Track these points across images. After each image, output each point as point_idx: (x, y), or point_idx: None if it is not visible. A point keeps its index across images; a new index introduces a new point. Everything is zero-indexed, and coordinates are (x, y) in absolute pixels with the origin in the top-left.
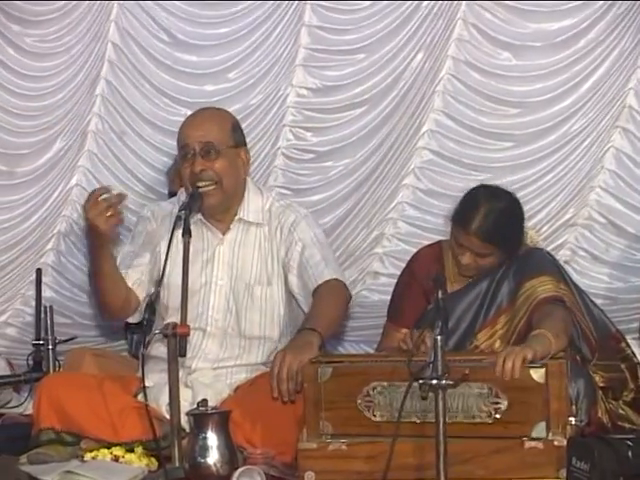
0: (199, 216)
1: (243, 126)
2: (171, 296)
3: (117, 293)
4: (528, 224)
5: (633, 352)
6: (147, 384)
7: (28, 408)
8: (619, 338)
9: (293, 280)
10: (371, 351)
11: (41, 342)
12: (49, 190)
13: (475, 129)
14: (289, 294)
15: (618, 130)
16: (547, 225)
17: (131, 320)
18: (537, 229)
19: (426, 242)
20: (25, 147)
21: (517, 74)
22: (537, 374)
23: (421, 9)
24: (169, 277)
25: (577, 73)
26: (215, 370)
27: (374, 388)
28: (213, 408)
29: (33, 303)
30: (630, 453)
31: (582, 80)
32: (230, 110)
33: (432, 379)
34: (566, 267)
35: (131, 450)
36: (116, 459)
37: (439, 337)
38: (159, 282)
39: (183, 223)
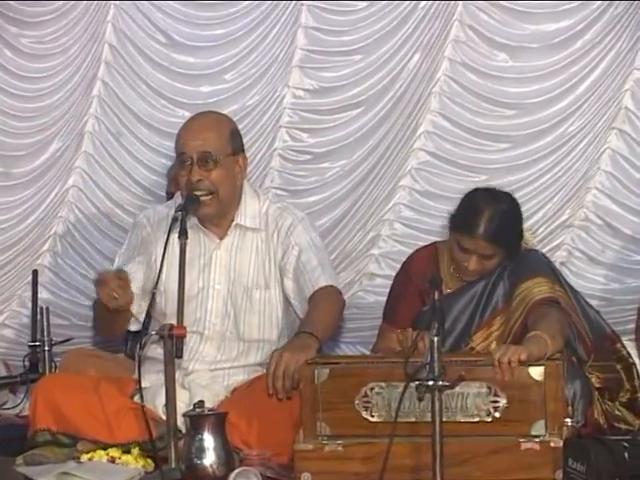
0: (195, 221)
1: (239, 127)
2: (168, 302)
3: (116, 329)
4: (524, 225)
5: (629, 353)
6: (143, 385)
7: (24, 409)
8: (615, 339)
9: (289, 284)
10: (367, 352)
11: (37, 343)
12: (46, 191)
13: (472, 130)
14: (286, 297)
15: (614, 131)
16: (544, 226)
17: (130, 329)
18: (533, 230)
19: (422, 243)
20: (22, 148)
21: (514, 75)
22: (536, 372)
23: (418, 10)
24: (166, 283)
25: (574, 74)
26: (212, 372)
27: (372, 389)
28: (210, 409)
29: (29, 304)
30: (626, 454)
31: (579, 81)
32: (227, 111)
33: (428, 380)
34: (562, 268)
35: (127, 451)
36: (112, 460)
37: (436, 338)
38: (155, 285)
39: (179, 224)
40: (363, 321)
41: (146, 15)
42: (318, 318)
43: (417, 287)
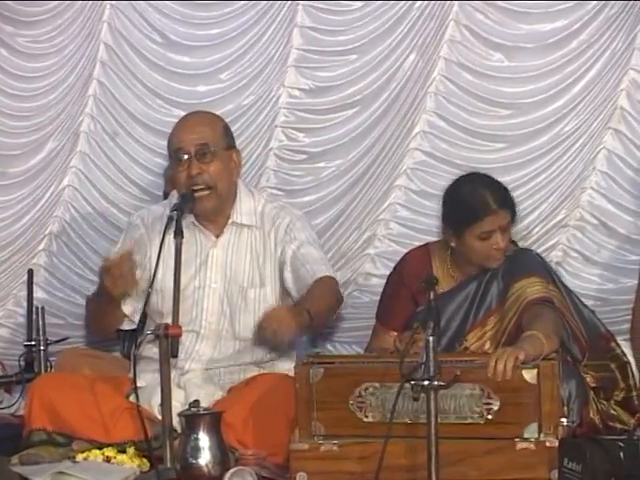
0: (191, 219)
1: (235, 127)
2: (164, 301)
3: (110, 325)
4: (519, 225)
5: (623, 351)
6: (139, 385)
7: (20, 409)
8: (609, 338)
9: (288, 277)
10: (362, 352)
11: (33, 343)
12: (41, 191)
13: (467, 130)
14: (283, 294)
15: (610, 131)
16: (539, 226)
17: (121, 327)
18: (529, 230)
19: (418, 243)
20: (17, 148)
21: (509, 75)
22: (529, 375)
23: (413, 10)
24: (162, 282)
25: (569, 74)
26: (207, 371)
27: (366, 389)
28: (205, 409)
29: (25, 304)
30: (622, 454)
31: (574, 81)
32: (222, 111)
33: (424, 380)
34: (558, 268)
35: (123, 451)
36: (108, 460)
37: (431, 338)
38: (150, 285)
39: (175, 224)
40: (358, 320)
41: (142, 15)
42: (313, 298)
43: (410, 288)
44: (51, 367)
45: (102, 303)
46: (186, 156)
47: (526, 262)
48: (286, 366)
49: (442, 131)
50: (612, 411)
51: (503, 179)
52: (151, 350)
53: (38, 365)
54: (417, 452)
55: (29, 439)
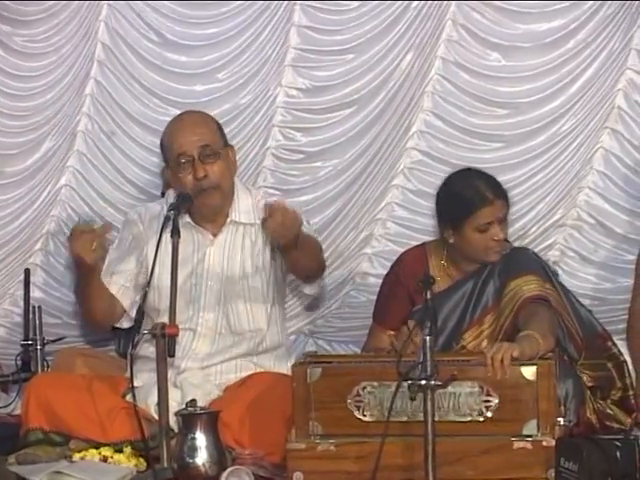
0: (187, 219)
1: (232, 126)
2: (161, 298)
3: (102, 310)
4: (516, 225)
5: (620, 350)
6: (136, 384)
7: (16, 408)
8: (606, 337)
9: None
10: (360, 351)
11: (29, 342)
12: (38, 190)
13: (464, 130)
14: (275, 283)
15: (607, 131)
16: (536, 226)
17: (119, 326)
18: (526, 230)
19: (415, 242)
20: (14, 147)
21: (506, 75)
22: (528, 372)
23: (410, 10)
24: (158, 280)
25: (566, 74)
26: (204, 370)
27: (364, 388)
28: (202, 408)
29: (22, 303)
30: (618, 453)
31: (571, 81)
32: (219, 110)
33: (421, 379)
34: (555, 268)
35: (120, 450)
36: (105, 459)
37: (428, 337)
38: (147, 283)
39: (172, 223)
40: (356, 320)
41: (139, 14)
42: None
43: (407, 288)
44: (48, 366)
45: (84, 283)
46: (190, 160)
47: (522, 260)
48: (283, 367)
49: (439, 130)
50: (609, 410)
51: (500, 178)
52: (148, 349)
53: (35, 364)
54: (414, 451)
55: (26, 438)
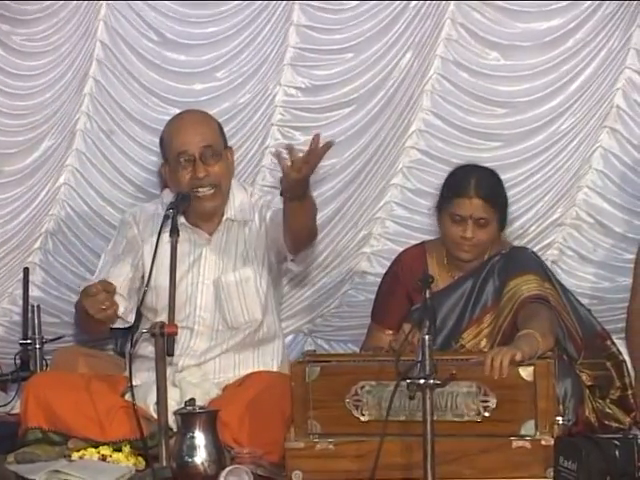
0: (182, 220)
1: (231, 125)
2: (159, 298)
3: (100, 330)
4: (515, 224)
5: (619, 350)
6: (134, 383)
7: (15, 407)
8: (605, 336)
9: (268, 216)
10: (358, 351)
11: (28, 341)
12: (37, 189)
13: (463, 129)
14: (271, 271)
15: (606, 130)
16: (535, 225)
17: (113, 326)
18: (525, 229)
19: (414, 241)
20: (13, 146)
21: (505, 74)
22: (526, 372)
23: (409, 9)
24: (156, 280)
25: (565, 73)
26: (202, 365)
27: (362, 387)
28: (201, 407)
29: (20, 302)
30: (617, 453)
31: (570, 80)
32: (218, 109)
33: (420, 378)
34: (554, 267)
35: (118, 449)
36: (103, 458)
37: (427, 336)
38: (146, 283)
39: (171, 222)
40: (354, 319)
41: (138, 13)
42: None
43: (405, 287)
44: (47, 365)
45: (88, 323)
46: (191, 159)
47: (522, 260)
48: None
49: (438, 130)
50: (608, 410)
51: None
52: (146, 349)
53: (34, 363)
54: (413, 450)
55: (25, 437)
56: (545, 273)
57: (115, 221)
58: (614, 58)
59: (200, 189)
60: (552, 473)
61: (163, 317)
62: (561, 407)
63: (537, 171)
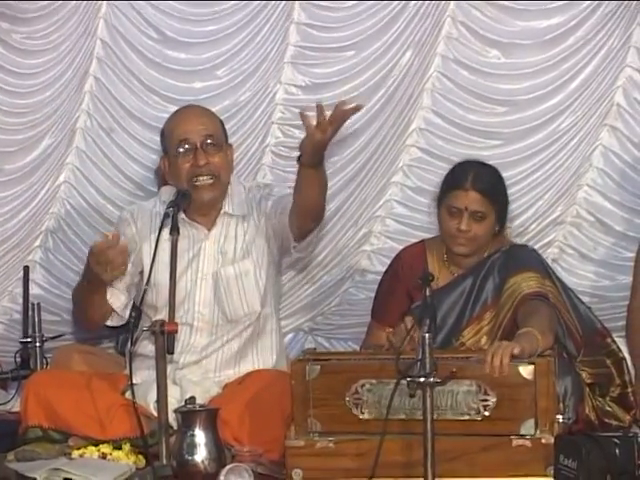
0: (182, 215)
1: (231, 123)
2: (159, 295)
3: (97, 312)
4: (515, 222)
5: (619, 347)
6: (134, 381)
7: (15, 405)
8: (605, 334)
9: (269, 205)
10: (358, 349)
11: (29, 339)
12: (37, 187)
13: (463, 127)
14: (270, 265)
15: (606, 128)
16: (535, 223)
17: (109, 324)
18: (525, 227)
19: (414, 240)
20: (13, 144)
21: (505, 72)
22: (526, 371)
23: (410, 7)
24: (155, 277)
25: (565, 71)
26: (202, 361)
27: (362, 385)
28: (201, 406)
29: (21, 300)
30: (617, 451)
31: (570, 78)
32: (219, 107)
33: (420, 377)
34: (554, 265)
35: (119, 447)
36: (104, 456)
37: (427, 334)
38: (146, 281)
39: (171, 220)
40: (354, 317)
41: (138, 11)
42: None
43: (405, 285)
44: (47, 364)
45: (89, 291)
46: (192, 147)
47: (522, 257)
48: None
49: (438, 128)
50: (608, 407)
51: None
52: (146, 347)
53: (34, 362)
54: (413, 449)
55: (25, 435)
56: (545, 270)
57: (115, 219)
58: (614, 56)
59: (200, 178)
60: (552, 471)
61: (163, 314)
62: (561, 405)
63: (537, 169)
